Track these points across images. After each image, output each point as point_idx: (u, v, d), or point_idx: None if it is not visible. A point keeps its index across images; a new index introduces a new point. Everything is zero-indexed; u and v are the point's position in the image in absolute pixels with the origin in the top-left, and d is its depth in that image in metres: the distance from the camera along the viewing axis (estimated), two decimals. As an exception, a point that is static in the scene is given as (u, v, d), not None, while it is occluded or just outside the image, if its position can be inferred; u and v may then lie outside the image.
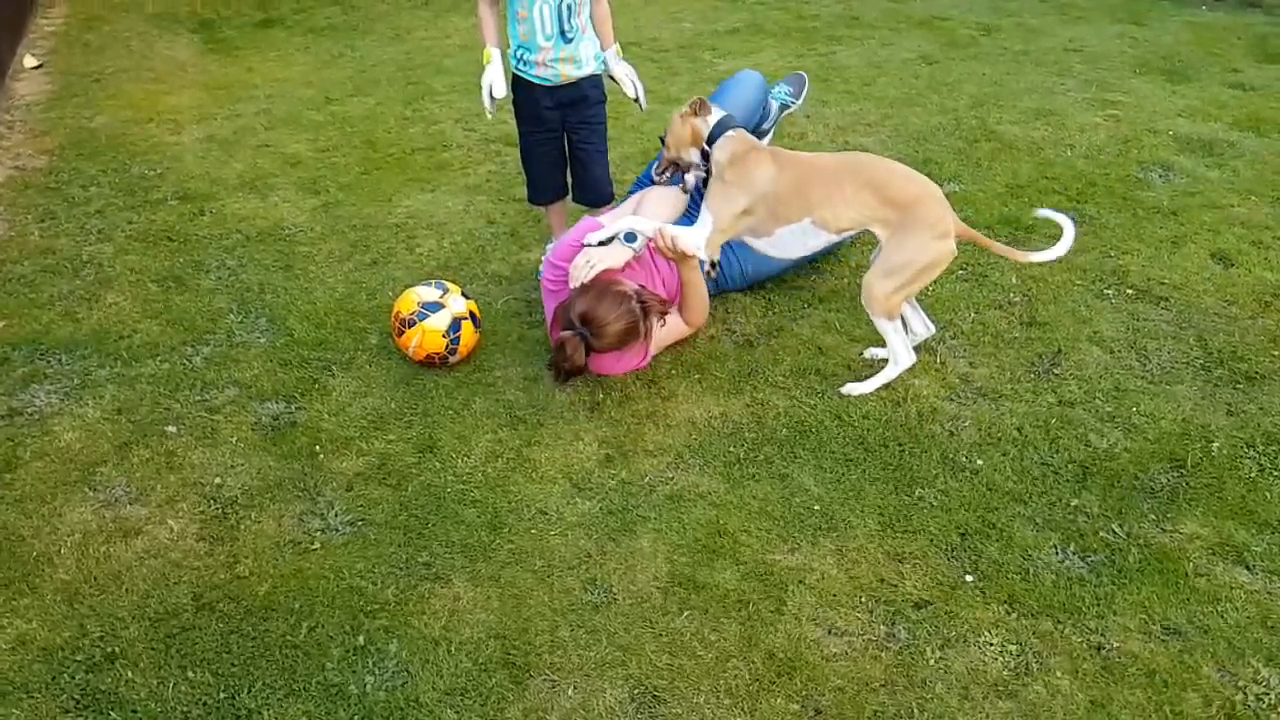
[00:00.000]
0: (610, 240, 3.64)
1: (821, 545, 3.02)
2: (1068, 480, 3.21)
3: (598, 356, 3.64)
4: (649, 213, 3.78)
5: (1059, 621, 2.73)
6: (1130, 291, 4.09)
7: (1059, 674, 2.60)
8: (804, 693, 2.58)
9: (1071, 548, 2.96)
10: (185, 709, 2.60)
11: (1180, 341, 3.79)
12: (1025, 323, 3.95)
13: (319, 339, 4.08)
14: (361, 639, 2.79)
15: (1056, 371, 3.69)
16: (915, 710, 2.53)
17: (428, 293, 3.82)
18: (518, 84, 4.14)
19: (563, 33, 3.98)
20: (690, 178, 3.80)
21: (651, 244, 3.65)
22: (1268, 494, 3.12)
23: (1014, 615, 2.76)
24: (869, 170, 3.55)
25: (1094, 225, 4.57)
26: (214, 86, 7.09)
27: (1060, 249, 3.51)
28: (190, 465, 3.43)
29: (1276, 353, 3.72)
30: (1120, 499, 3.12)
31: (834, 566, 2.94)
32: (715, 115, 3.64)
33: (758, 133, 4.15)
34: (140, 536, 3.13)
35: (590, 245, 3.64)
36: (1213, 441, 3.32)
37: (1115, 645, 2.66)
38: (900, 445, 3.38)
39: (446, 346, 3.77)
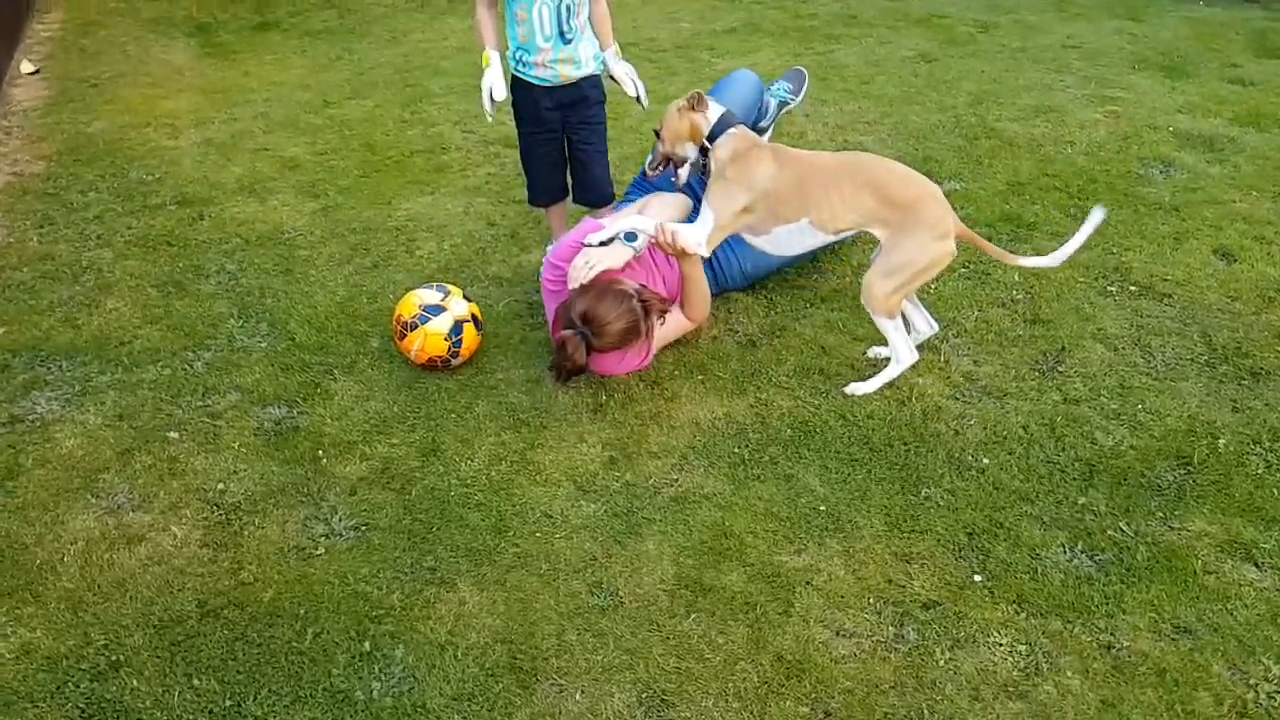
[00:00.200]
0: (610, 240, 3.63)
1: (828, 546, 3.01)
2: (1074, 478, 3.20)
3: (600, 357, 3.63)
4: (653, 216, 3.77)
5: (1068, 621, 2.72)
6: (1133, 288, 4.08)
7: (1069, 674, 2.59)
8: (813, 695, 2.57)
9: (1079, 546, 2.95)
10: (191, 717, 2.58)
11: (1184, 338, 3.78)
12: (1029, 320, 3.94)
13: (320, 343, 4.07)
14: (367, 645, 2.77)
15: (1061, 369, 3.68)
16: (925, 712, 2.52)
17: (429, 296, 3.81)
18: (517, 85, 4.13)
19: (562, 33, 3.97)
20: (684, 172, 3.78)
21: (653, 241, 3.64)
22: (1275, 490, 3.11)
23: (1023, 615, 2.75)
24: (868, 171, 3.54)
25: (1096, 222, 4.56)
26: (211, 91, 7.07)
27: (1051, 260, 3.48)
28: (193, 471, 3.41)
29: (1281, 348, 3.72)
30: (1127, 497, 3.11)
31: (841, 567, 2.93)
32: (715, 111, 3.63)
33: (756, 130, 4.13)
34: (143, 543, 3.11)
35: (590, 245, 3.63)
36: (1219, 438, 3.31)
37: (1125, 644, 2.65)
38: (906, 445, 3.37)
39: (449, 350, 3.76)
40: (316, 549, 3.10)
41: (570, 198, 4.46)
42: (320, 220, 5.09)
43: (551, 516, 3.19)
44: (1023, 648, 2.66)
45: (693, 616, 2.81)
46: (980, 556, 2.93)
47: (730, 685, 2.61)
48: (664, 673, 2.66)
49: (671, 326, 3.81)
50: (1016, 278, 4.17)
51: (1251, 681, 2.55)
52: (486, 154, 5.78)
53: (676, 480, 3.31)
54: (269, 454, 3.49)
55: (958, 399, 3.57)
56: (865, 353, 3.82)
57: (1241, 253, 4.24)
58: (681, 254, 3.63)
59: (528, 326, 4.14)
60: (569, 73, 4.05)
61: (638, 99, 4.14)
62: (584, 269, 3.57)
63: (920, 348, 3.69)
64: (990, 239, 4.37)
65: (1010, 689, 2.56)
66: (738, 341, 3.97)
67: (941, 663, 2.63)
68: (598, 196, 4.39)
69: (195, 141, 6.13)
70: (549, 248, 4.00)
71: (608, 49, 4.14)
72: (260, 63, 7.72)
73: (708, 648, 2.72)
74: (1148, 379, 3.60)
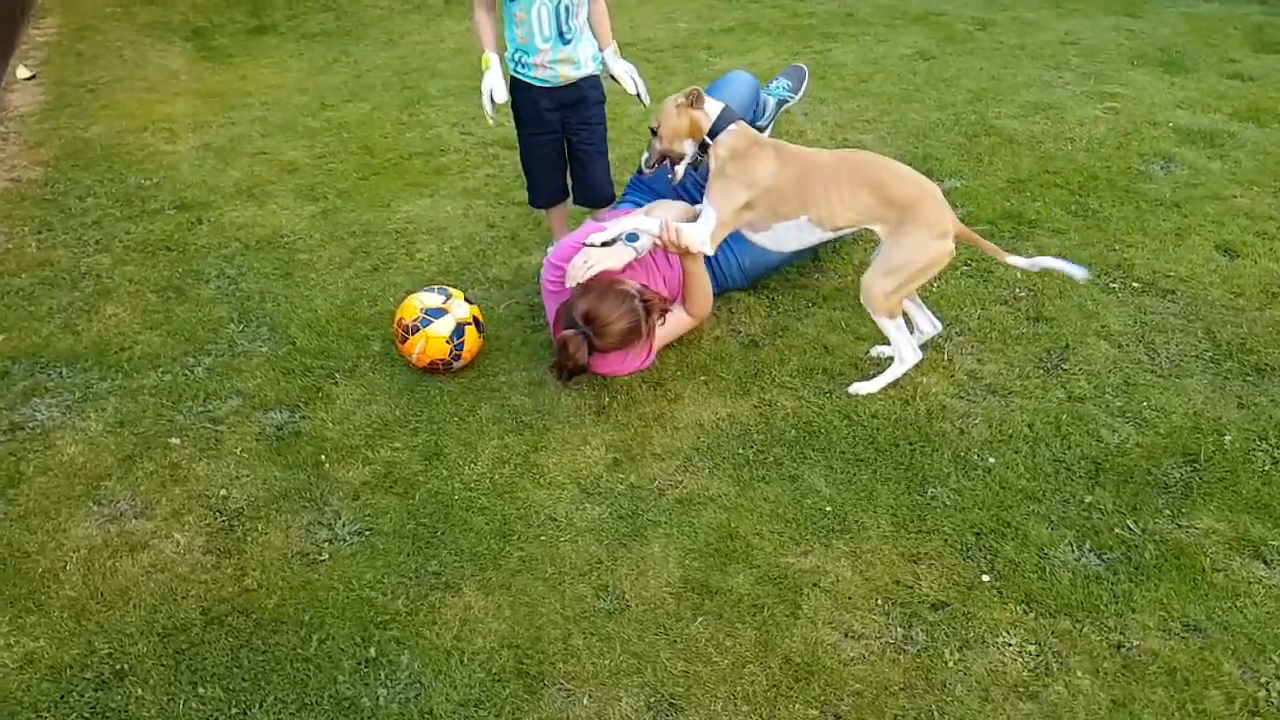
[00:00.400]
0: (612, 242, 3.62)
1: (835, 547, 3.00)
2: (1080, 477, 3.18)
3: (602, 357, 3.62)
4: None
5: (1078, 620, 2.71)
6: (1136, 285, 4.07)
7: (1079, 673, 2.57)
8: (823, 698, 2.56)
9: (1087, 545, 2.94)
10: (197, 725, 2.57)
11: (1188, 334, 3.77)
12: (1032, 318, 3.93)
13: (321, 347, 4.05)
14: (373, 651, 2.76)
15: (1065, 367, 3.67)
16: (936, 713, 2.50)
17: (430, 299, 3.80)
18: (516, 86, 4.11)
19: (561, 34, 3.96)
20: (680, 169, 3.76)
21: (658, 242, 3.62)
22: (1282, 487, 3.10)
23: (1032, 615, 2.74)
24: (868, 169, 3.53)
25: (1097, 219, 4.55)
26: (208, 95, 7.06)
27: (1031, 264, 3.47)
28: (195, 477, 3.40)
29: (1285, 344, 3.71)
30: (1134, 495, 3.10)
31: (848, 569, 2.92)
32: (714, 107, 3.61)
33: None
34: (146, 551, 3.10)
35: (592, 246, 3.61)
36: (1225, 435, 3.30)
37: (1135, 643, 2.64)
38: (911, 444, 3.36)
39: (450, 353, 3.74)
40: (320, 554, 3.08)
41: (570, 199, 4.44)
42: (319, 223, 5.07)
43: (556, 519, 3.18)
44: (1032, 648, 2.65)
45: (700, 619, 2.80)
46: (988, 556, 2.92)
47: (739, 688, 2.60)
48: (672, 676, 2.65)
49: (673, 325, 3.80)
50: (1019, 275, 4.16)
51: (1262, 680, 2.54)
52: (485, 155, 5.77)
53: (681, 482, 3.30)
54: (271, 459, 3.47)
55: (962, 398, 3.56)
56: (868, 352, 3.80)
57: (1244, 248, 4.23)
58: (686, 252, 3.61)
59: (529, 329, 4.13)
60: (568, 73, 4.04)
61: (638, 96, 4.13)
62: (582, 268, 3.56)
63: (924, 347, 3.68)
64: (992, 237, 4.36)
65: (1020, 689, 2.55)
66: (740, 342, 3.96)
67: (951, 664, 2.62)
68: (598, 197, 4.38)
69: (193, 146, 6.11)
70: (549, 249, 3.99)
71: (606, 48, 4.12)
72: (257, 66, 7.70)
73: (715, 651, 2.71)
74: (1152, 376, 3.59)
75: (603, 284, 3.55)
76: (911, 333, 3.67)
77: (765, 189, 3.55)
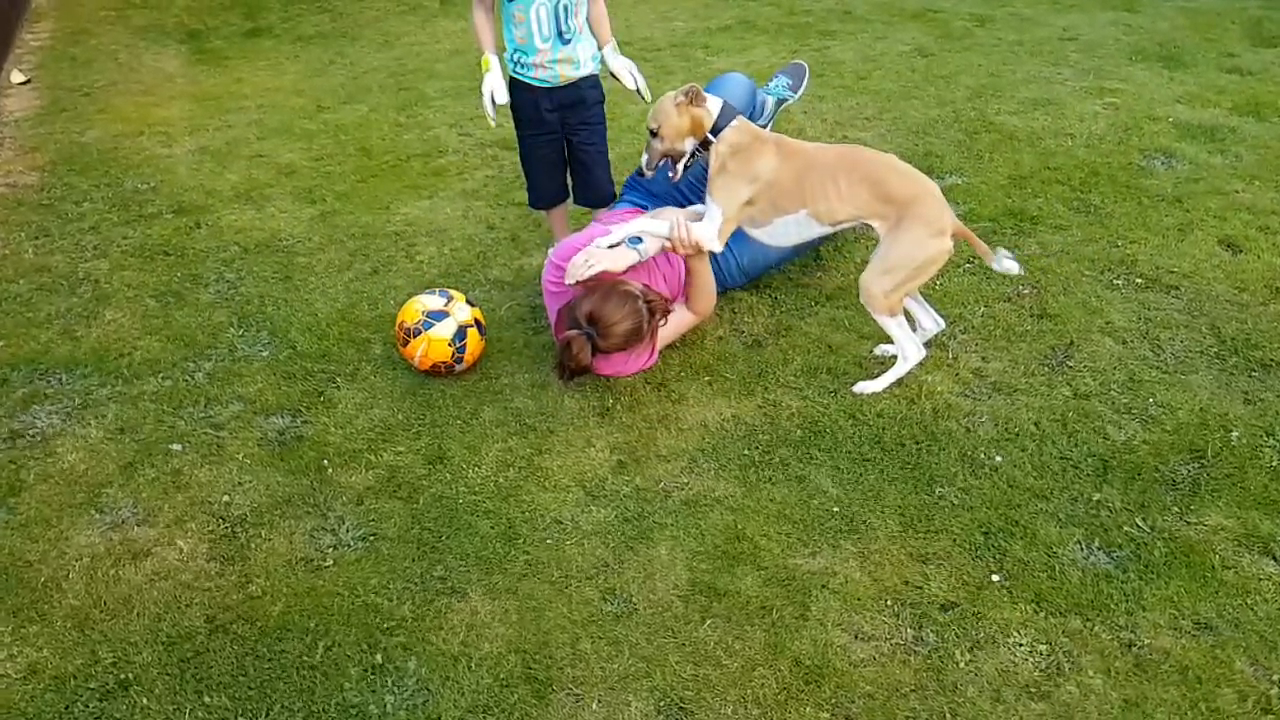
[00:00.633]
0: (617, 245, 3.60)
1: (843, 548, 2.98)
2: (1088, 474, 3.17)
3: (605, 358, 3.60)
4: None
5: (1088, 619, 2.69)
6: (1140, 281, 4.06)
7: (1091, 673, 2.56)
8: (833, 700, 2.54)
9: (1096, 543, 2.92)
10: (203, 735, 2.55)
11: (1193, 330, 3.75)
12: (1036, 315, 3.91)
13: (322, 351, 4.03)
14: (379, 657, 2.74)
15: (1070, 364, 3.65)
16: (948, 715, 2.49)
17: (432, 301, 3.78)
18: (516, 87, 4.09)
19: (560, 34, 3.94)
20: (681, 167, 3.74)
21: (668, 243, 3.60)
22: (1290, 483, 3.09)
23: (1042, 614, 2.72)
24: (868, 165, 3.52)
25: (1099, 215, 4.53)
26: (204, 98, 7.03)
27: (1008, 268, 3.48)
28: (197, 484, 3.38)
29: (1291, 339, 3.69)
30: (1142, 492, 3.08)
31: (857, 570, 2.90)
32: (715, 104, 3.59)
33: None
34: (149, 558, 3.08)
35: (599, 248, 3.60)
36: (1231, 431, 3.29)
37: (1146, 642, 2.62)
38: (917, 443, 3.34)
39: (453, 355, 3.73)
40: (325, 560, 3.06)
41: (571, 199, 4.43)
42: (318, 226, 5.05)
43: (561, 522, 3.16)
44: (1043, 647, 2.63)
45: (708, 622, 2.78)
46: (997, 556, 2.90)
47: (749, 692, 2.58)
48: (681, 680, 2.63)
49: (676, 324, 3.79)
50: (1023, 271, 4.13)
51: (1275, 677, 2.52)
52: (484, 157, 5.75)
53: (687, 484, 3.28)
54: (273, 464, 3.45)
55: (968, 396, 3.54)
56: (872, 351, 3.79)
57: (1247, 243, 4.22)
58: (698, 250, 3.60)
59: (531, 330, 4.11)
60: (568, 73, 4.03)
61: (638, 92, 4.11)
62: (583, 266, 3.54)
63: (927, 344, 3.66)
64: (994, 234, 4.36)
65: (1032, 690, 2.53)
66: (743, 342, 3.94)
67: (962, 664, 2.61)
68: (599, 197, 4.37)
69: (190, 149, 6.09)
70: (550, 250, 3.96)
71: (605, 45, 4.11)
72: (253, 69, 7.68)
73: (725, 654, 2.69)
74: (1158, 372, 3.57)
75: (606, 285, 3.53)
76: (914, 330, 3.65)
77: (767, 183, 3.54)
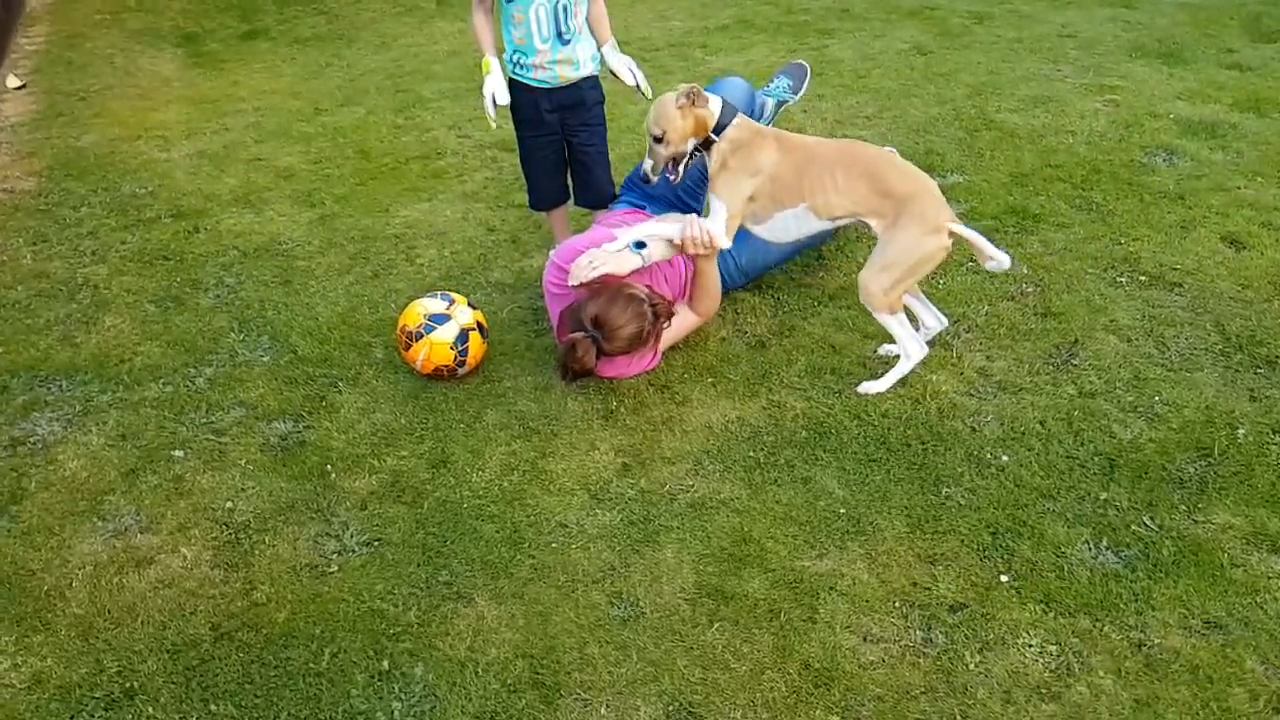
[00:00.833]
0: (621, 249, 3.59)
1: (850, 550, 2.97)
2: (1095, 473, 3.16)
3: (608, 360, 3.59)
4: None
5: (1097, 619, 2.68)
6: (1143, 278, 4.04)
7: (1101, 673, 2.55)
8: (843, 703, 2.53)
9: (1104, 542, 2.91)
10: (210, 743, 2.54)
11: (1197, 328, 3.74)
12: (1040, 313, 3.90)
13: (323, 355, 4.02)
14: (386, 663, 2.73)
15: (1075, 362, 3.64)
16: (958, 717, 2.48)
17: (433, 304, 3.76)
18: (515, 88, 4.08)
19: (560, 34, 3.93)
20: (683, 169, 3.73)
21: (679, 244, 3.59)
22: (1298, 480, 3.08)
23: (1051, 615, 2.71)
24: (866, 160, 3.52)
25: (1101, 212, 4.52)
26: (201, 101, 7.01)
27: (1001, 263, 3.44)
28: (200, 490, 3.36)
29: (1295, 335, 3.68)
30: (1149, 490, 3.07)
31: (865, 571, 2.89)
32: (716, 103, 3.59)
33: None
34: (153, 566, 3.06)
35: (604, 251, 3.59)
36: (1238, 428, 3.27)
37: (1156, 641, 2.61)
38: (923, 443, 3.33)
39: (455, 359, 3.71)
40: (329, 566, 3.05)
41: (571, 200, 4.41)
42: (318, 230, 5.03)
43: (567, 526, 3.15)
44: (1053, 648, 2.62)
45: (716, 625, 2.77)
46: (1005, 556, 2.89)
47: (758, 695, 2.57)
48: (690, 684, 2.62)
49: (679, 325, 3.79)
50: (1025, 270, 4.13)
51: (1286, 676, 2.51)
52: (483, 158, 5.73)
53: (692, 486, 3.27)
54: (276, 470, 3.44)
55: (973, 395, 3.53)
56: (876, 350, 3.77)
57: (1250, 239, 4.20)
58: (710, 247, 3.59)
59: (533, 333, 4.10)
60: (568, 74, 4.02)
61: (637, 88, 4.10)
62: (587, 268, 3.53)
63: (931, 343, 3.65)
64: (996, 232, 4.35)
65: (1043, 690, 2.52)
66: (747, 343, 3.93)
67: (972, 666, 2.59)
68: (599, 198, 4.36)
69: (187, 153, 6.07)
70: (551, 252, 3.96)
71: (605, 44, 4.09)
72: (249, 71, 7.66)
73: (733, 657, 2.68)
74: (1163, 370, 3.56)
75: (612, 288, 3.52)
76: (917, 329, 3.64)
77: (768, 177, 3.54)
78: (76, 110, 6.88)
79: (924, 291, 3.74)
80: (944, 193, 3.52)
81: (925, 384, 3.58)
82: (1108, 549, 2.89)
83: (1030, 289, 4.05)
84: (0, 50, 7.89)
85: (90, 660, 2.76)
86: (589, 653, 2.72)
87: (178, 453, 3.53)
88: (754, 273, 4.19)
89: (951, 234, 3.42)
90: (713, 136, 3.56)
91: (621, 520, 3.15)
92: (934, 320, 3.70)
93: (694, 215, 3.62)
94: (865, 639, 2.69)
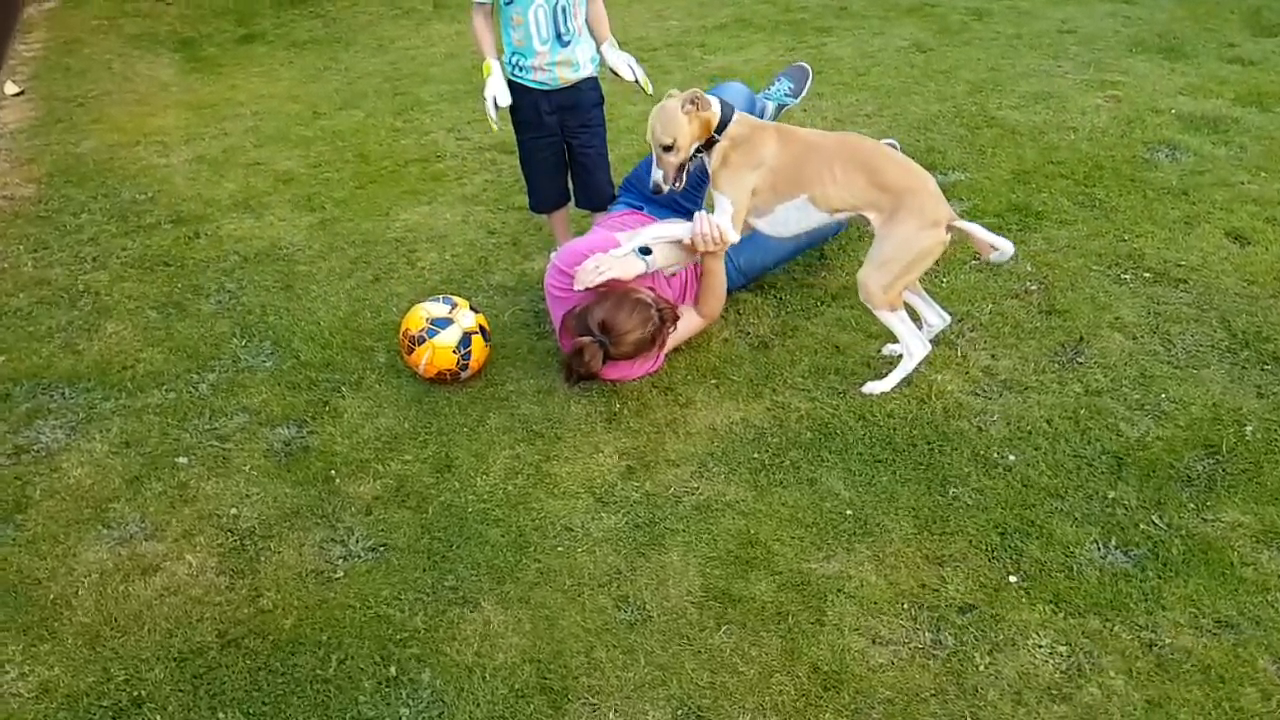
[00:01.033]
0: (626, 254, 3.59)
1: (857, 551, 2.96)
2: (1102, 472, 3.14)
3: (612, 363, 3.59)
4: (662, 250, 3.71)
5: (1107, 619, 2.67)
6: (1148, 275, 4.03)
7: (1112, 674, 2.53)
8: (853, 706, 2.52)
9: (1113, 542, 2.90)
10: (217, 752, 2.53)
11: (1203, 324, 3.73)
12: (1044, 311, 3.89)
13: (326, 360, 4.01)
14: (393, 669, 2.72)
15: (1080, 360, 3.63)
16: (969, 719, 2.46)
17: (436, 308, 3.75)
18: (514, 90, 4.06)
19: (559, 36, 3.92)
20: (684, 174, 3.72)
21: (688, 242, 3.59)
22: (1307, 477, 3.07)
23: (1061, 615, 2.70)
24: (864, 153, 3.52)
25: (1105, 209, 4.51)
26: (199, 106, 7.00)
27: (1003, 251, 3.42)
28: (204, 497, 3.35)
29: (1301, 331, 3.67)
30: (1157, 489, 3.06)
31: (872, 573, 2.88)
32: (716, 105, 3.58)
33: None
34: (159, 573, 3.05)
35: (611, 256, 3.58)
36: (1246, 425, 3.26)
37: (1167, 641, 2.60)
38: (929, 444, 3.32)
39: (458, 362, 3.70)
40: (335, 572, 3.04)
41: (571, 202, 4.41)
42: (318, 234, 5.02)
43: (572, 530, 3.14)
44: (1063, 649, 2.61)
45: (723, 629, 2.76)
46: (1014, 556, 2.88)
47: (767, 699, 2.56)
48: (698, 688, 2.61)
49: (684, 327, 3.78)
50: (1029, 268, 4.12)
51: (1298, 675, 2.50)
52: (482, 161, 5.71)
53: (697, 488, 3.26)
54: (280, 476, 3.43)
55: (978, 395, 3.52)
56: (880, 350, 3.76)
57: (1255, 235, 4.19)
58: (722, 242, 3.57)
59: (535, 336, 4.09)
60: (567, 75, 4.01)
61: (636, 83, 4.09)
62: (593, 273, 3.52)
63: (935, 341, 3.64)
64: (999, 230, 4.30)
65: (1054, 691, 2.51)
66: (749, 343, 3.91)
67: (982, 667, 2.58)
68: (599, 199, 4.35)
69: (186, 158, 6.06)
70: (552, 254, 3.95)
71: (603, 42, 4.08)
72: (247, 76, 7.65)
73: (741, 661, 2.67)
74: (1169, 367, 3.54)
75: (619, 293, 3.52)
76: (920, 328, 3.63)
77: (770, 169, 3.54)
78: (75, 116, 6.87)
79: (926, 290, 3.73)
80: (946, 191, 3.51)
81: (930, 384, 3.56)
82: (1117, 548, 2.88)
83: (1034, 287, 4.04)
84: (-2, 57, 7.87)
85: (97, 669, 2.76)
86: (596, 657, 2.72)
87: (181, 459, 3.52)
88: (752, 274, 4.18)
89: (950, 228, 3.42)
90: (715, 136, 3.56)
91: (626, 523, 3.14)
92: (936, 317, 3.69)
93: (703, 211, 3.61)
94: (874, 641, 2.68)
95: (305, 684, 2.69)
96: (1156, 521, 2.95)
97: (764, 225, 3.67)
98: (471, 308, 3.81)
